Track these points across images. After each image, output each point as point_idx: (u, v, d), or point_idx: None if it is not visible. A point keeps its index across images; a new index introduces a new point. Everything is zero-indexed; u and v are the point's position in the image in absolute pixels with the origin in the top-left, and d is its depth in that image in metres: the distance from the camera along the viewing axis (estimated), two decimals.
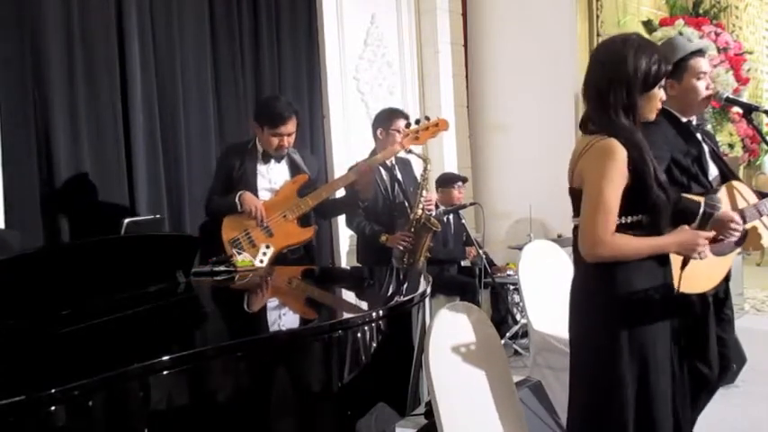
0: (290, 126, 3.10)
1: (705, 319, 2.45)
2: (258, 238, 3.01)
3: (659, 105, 1.89)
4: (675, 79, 2.56)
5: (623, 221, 1.80)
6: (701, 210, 1.83)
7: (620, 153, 1.76)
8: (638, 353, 1.79)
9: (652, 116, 1.89)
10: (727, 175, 2.59)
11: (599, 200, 1.76)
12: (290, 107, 3.13)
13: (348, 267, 4.45)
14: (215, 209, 3.19)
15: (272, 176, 3.19)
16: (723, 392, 2.74)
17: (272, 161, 3.19)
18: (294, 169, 3.22)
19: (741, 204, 2.43)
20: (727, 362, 2.62)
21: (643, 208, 1.80)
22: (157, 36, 3.86)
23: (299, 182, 3.16)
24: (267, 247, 2.94)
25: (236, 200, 3.05)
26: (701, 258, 1.82)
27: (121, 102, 3.65)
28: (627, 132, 1.79)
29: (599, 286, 1.85)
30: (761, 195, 2.55)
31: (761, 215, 2.46)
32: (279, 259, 3.04)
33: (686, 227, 1.84)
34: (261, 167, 3.19)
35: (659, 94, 1.85)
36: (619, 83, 1.79)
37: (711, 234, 1.82)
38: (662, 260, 1.85)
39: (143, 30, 3.76)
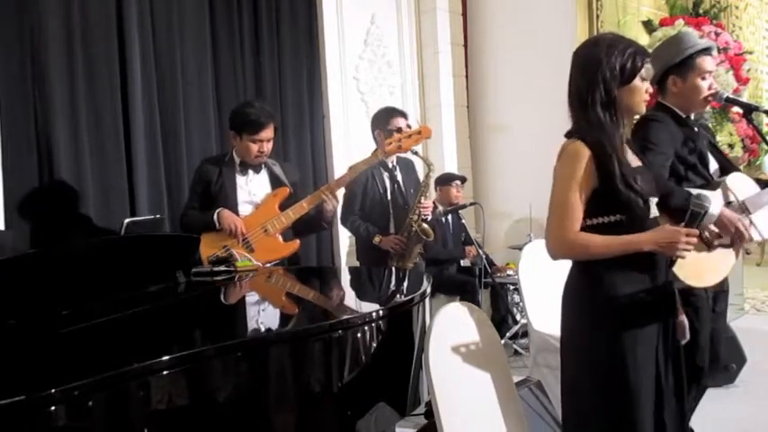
0: (269, 132, 3.02)
1: (697, 313, 2.45)
2: (238, 253, 2.94)
3: (646, 97, 1.88)
4: (680, 76, 2.56)
5: (597, 222, 1.81)
6: (689, 210, 1.77)
7: (582, 155, 1.77)
8: (618, 356, 1.78)
9: (641, 108, 1.89)
10: (726, 167, 2.60)
11: (556, 201, 1.81)
12: (266, 113, 3.05)
13: (348, 267, 4.45)
14: (190, 224, 3.08)
15: (252, 188, 3.09)
16: (723, 392, 2.74)
17: (251, 172, 3.09)
18: (275, 181, 3.12)
19: (742, 196, 2.43)
20: (716, 356, 2.62)
21: (617, 208, 1.79)
22: (157, 36, 3.86)
23: (280, 195, 3.06)
24: None
25: (215, 218, 2.97)
26: (681, 257, 1.76)
27: (121, 102, 3.65)
28: (598, 131, 1.79)
29: (584, 288, 1.86)
30: (762, 185, 2.55)
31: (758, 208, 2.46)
32: None
33: (667, 225, 1.81)
34: (240, 179, 3.08)
35: (643, 86, 1.85)
36: (596, 82, 1.81)
37: (695, 231, 1.75)
38: (649, 262, 1.82)
39: (143, 30, 3.76)
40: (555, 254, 1.84)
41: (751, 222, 2.37)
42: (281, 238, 3.03)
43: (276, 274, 2.93)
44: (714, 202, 2.12)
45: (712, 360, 2.59)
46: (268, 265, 3.02)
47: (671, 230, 1.75)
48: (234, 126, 3.06)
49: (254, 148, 3.02)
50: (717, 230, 2.30)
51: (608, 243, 1.77)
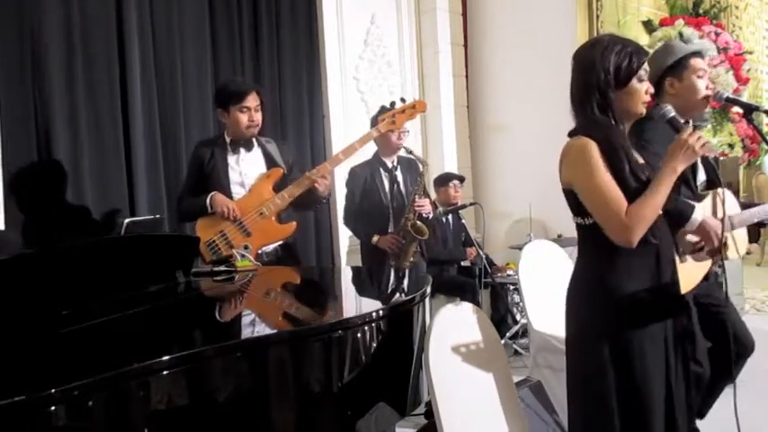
0: (254, 99, 3.01)
1: (689, 319, 2.45)
2: (235, 238, 2.92)
3: (646, 98, 1.87)
4: (676, 78, 2.57)
5: None
6: (671, 123, 1.95)
7: (592, 146, 1.77)
8: (624, 355, 1.78)
9: (640, 110, 1.88)
10: (714, 181, 2.58)
11: (599, 194, 1.76)
12: (247, 82, 3.06)
13: (348, 267, 4.45)
14: (185, 210, 3.09)
15: (243, 168, 3.05)
16: (723, 392, 2.74)
17: (242, 151, 3.06)
18: (269, 161, 3.08)
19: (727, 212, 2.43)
20: (735, 357, 2.63)
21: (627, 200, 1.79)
22: (157, 36, 3.86)
23: (273, 176, 3.02)
24: (245, 247, 2.86)
25: (207, 202, 2.96)
26: (708, 151, 1.84)
27: (121, 102, 3.65)
28: (600, 129, 1.80)
29: (589, 287, 1.86)
30: (744, 205, 2.56)
31: (742, 225, 2.47)
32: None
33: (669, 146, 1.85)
34: (230, 159, 3.05)
35: (642, 87, 1.85)
36: (591, 85, 1.82)
37: (689, 130, 1.82)
38: (652, 259, 1.82)
39: (143, 30, 3.76)
40: (629, 241, 1.75)
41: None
42: (276, 221, 3.02)
43: (276, 274, 2.93)
44: (698, 210, 2.13)
45: (736, 361, 2.61)
46: (266, 248, 3.00)
47: (676, 145, 1.80)
48: (220, 102, 3.06)
49: (244, 117, 3.00)
50: (695, 240, 2.27)
51: (653, 193, 1.75)
